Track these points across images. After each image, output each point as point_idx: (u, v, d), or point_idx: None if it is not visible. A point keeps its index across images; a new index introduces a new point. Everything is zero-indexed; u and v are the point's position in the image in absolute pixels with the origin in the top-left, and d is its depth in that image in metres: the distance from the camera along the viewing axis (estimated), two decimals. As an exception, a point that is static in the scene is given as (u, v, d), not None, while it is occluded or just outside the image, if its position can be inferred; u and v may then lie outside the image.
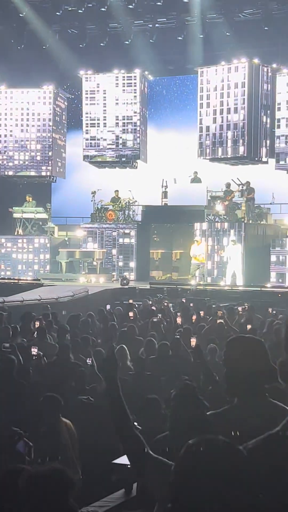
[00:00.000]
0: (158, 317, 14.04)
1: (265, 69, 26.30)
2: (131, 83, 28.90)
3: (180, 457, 2.03)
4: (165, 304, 17.08)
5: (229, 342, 3.74)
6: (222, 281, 23.71)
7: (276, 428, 2.25)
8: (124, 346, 10.16)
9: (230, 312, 15.16)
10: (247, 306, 16.36)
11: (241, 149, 26.13)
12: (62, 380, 8.20)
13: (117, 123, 29.08)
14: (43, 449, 6.40)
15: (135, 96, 28.87)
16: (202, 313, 15.27)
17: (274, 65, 26.08)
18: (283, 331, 2.27)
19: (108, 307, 15.78)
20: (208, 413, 3.62)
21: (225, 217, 25.45)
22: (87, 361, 9.56)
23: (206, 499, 1.89)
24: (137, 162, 29.50)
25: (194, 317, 14.44)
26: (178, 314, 14.62)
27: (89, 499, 5.80)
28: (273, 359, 3.83)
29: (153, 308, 16.07)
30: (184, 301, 17.74)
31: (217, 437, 2.00)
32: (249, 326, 12.84)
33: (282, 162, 25.96)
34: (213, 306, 16.42)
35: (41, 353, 9.85)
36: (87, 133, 29.46)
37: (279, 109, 25.86)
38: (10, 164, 30.22)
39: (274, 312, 15.90)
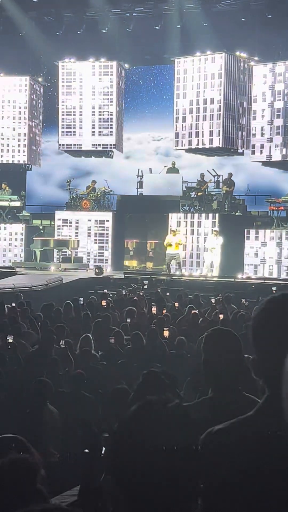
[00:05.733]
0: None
1: (242, 60, 26.36)
2: (107, 72, 28.80)
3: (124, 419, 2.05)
4: (140, 294, 17.08)
5: (207, 335, 3.78)
6: (199, 271, 23.71)
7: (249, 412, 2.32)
8: (89, 335, 10.21)
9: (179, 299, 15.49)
10: (221, 297, 16.44)
11: (217, 140, 26.19)
12: (41, 370, 8.23)
13: (93, 112, 28.97)
14: (24, 432, 6.42)
15: (111, 85, 28.77)
16: (176, 304, 15.30)
17: (256, 59, 26.13)
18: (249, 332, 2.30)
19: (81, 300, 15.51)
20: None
21: (200, 207, 25.51)
22: (60, 343, 9.67)
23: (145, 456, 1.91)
24: (113, 152, 29.43)
25: (164, 310, 14.36)
26: (153, 304, 14.65)
27: (66, 487, 5.82)
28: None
29: (133, 298, 16.03)
30: (159, 291, 17.77)
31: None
32: (221, 316, 12.92)
33: (257, 154, 26.04)
34: (190, 296, 16.50)
35: (16, 343, 9.84)
36: (63, 121, 29.33)
37: (255, 100, 25.92)
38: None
39: (247, 303, 16.00)
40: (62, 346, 9.66)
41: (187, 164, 28.96)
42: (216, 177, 26.08)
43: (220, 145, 26.26)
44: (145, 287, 18.80)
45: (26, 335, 10.95)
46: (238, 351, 3.65)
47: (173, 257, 23.66)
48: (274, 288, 18.15)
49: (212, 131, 26.23)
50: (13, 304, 14.01)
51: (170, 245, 23.46)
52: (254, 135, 25.99)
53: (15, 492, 2.47)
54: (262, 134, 25.74)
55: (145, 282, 19.50)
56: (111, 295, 17.21)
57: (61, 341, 9.79)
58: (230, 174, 25.81)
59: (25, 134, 29.77)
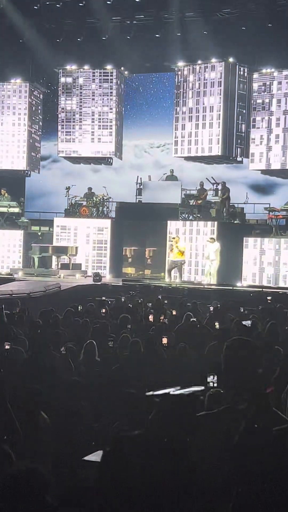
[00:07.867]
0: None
1: (242, 68, 26.41)
2: (107, 79, 28.85)
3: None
4: (139, 301, 17.02)
5: (227, 345, 3.78)
6: (203, 279, 23.65)
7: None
8: (93, 341, 10.15)
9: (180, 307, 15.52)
10: (219, 305, 16.39)
11: (216, 148, 26.22)
12: (37, 376, 8.17)
13: (93, 119, 29.01)
14: (29, 442, 6.38)
15: (111, 92, 28.82)
16: (174, 311, 15.25)
17: (256, 67, 26.18)
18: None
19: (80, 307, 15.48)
20: (202, 413, 3.63)
21: (198, 215, 25.52)
22: (61, 350, 9.61)
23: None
24: (112, 159, 29.45)
25: (162, 317, 14.29)
26: (151, 311, 14.58)
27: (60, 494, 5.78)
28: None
29: (128, 305, 16.00)
30: (160, 298, 17.71)
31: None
32: (217, 325, 12.85)
33: (257, 162, 26.07)
34: (188, 304, 16.45)
35: (13, 349, 9.78)
36: (62, 128, 29.35)
37: (254, 109, 25.98)
38: (-16, 157, 30.00)
39: (246, 312, 15.94)
40: (63, 352, 9.58)
41: (186, 171, 28.96)
42: (215, 185, 26.09)
43: (219, 153, 26.30)
44: (138, 291, 18.56)
45: (23, 342, 10.88)
46: (258, 360, 3.70)
47: (175, 265, 23.59)
48: (269, 298, 18.08)
49: (212, 139, 26.26)
50: (13, 311, 13.95)
51: (171, 250, 23.47)
52: (253, 142, 26.02)
53: (24, 502, 2.45)
54: (261, 142, 25.78)
55: (137, 286, 18.96)
56: (109, 302, 17.15)
57: (62, 347, 9.73)
58: (224, 183, 25.88)
59: (24, 141, 29.78)
